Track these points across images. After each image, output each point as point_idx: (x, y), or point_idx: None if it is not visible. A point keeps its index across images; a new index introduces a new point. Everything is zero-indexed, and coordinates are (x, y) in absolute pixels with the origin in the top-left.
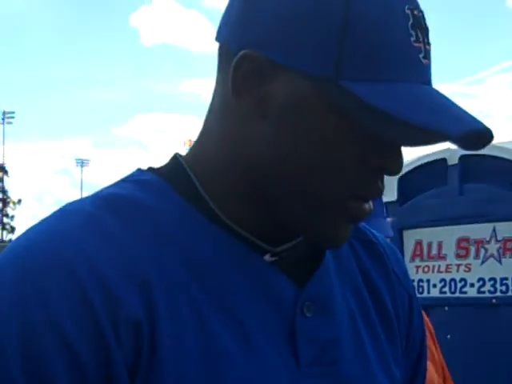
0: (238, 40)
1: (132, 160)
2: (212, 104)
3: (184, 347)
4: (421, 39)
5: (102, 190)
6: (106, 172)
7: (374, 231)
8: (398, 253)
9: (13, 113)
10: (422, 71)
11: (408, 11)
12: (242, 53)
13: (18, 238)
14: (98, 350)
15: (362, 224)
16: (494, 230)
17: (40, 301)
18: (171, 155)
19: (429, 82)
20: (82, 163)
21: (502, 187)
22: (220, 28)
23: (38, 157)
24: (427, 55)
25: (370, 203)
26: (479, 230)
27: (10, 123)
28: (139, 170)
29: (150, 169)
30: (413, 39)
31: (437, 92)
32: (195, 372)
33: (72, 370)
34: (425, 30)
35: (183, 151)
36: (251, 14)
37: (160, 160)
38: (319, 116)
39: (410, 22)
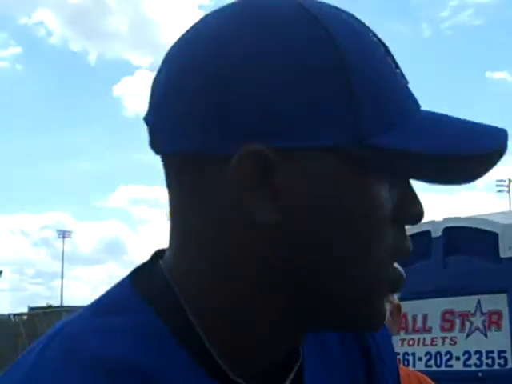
0: (220, 138)
1: (114, 231)
2: (184, 206)
3: None
4: (396, 64)
5: (81, 346)
6: (88, 243)
7: None
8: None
9: None
10: (413, 96)
11: (374, 38)
12: (242, 150)
13: None
14: None
15: None
16: (479, 302)
17: None
18: (150, 259)
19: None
20: (63, 234)
21: (486, 260)
22: (175, 132)
23: (17, 228)
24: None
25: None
26: (464, 303)
27: None
28: (121, 290)
29: (135, 285)
30: (394, 66)
31: (440, 113)
32: None
33: None
34: (391, 54)
35: (165, 223)
36: (227, 104)
37: (141, 232)
38: (356, 189)
39: (382, 50)
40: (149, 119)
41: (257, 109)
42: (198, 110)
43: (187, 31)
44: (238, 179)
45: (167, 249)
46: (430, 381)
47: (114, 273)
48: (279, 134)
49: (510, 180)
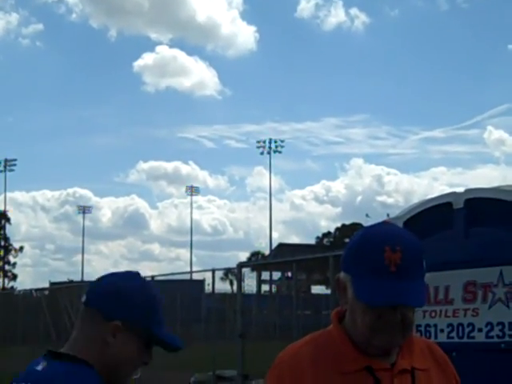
0: None
1: (133, 206)
2: None
3: None
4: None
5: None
6: (108, 218)
7: None
8: None
9: (15, 160)
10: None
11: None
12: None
13: None
14: None
15: None
16: (501, 273)
17: None
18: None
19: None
20: (83, 210)
21: (508, 230)
22: None
23: (39, 204)
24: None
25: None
26: (486, 274)
27: (12, 170)
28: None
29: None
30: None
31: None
32: None
33: None
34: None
35: (184, 198)
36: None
37: (160, 207)
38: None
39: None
40: None
41: None
42: None
43: None
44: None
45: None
46: (441, 351)
47: (134, 247)
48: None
49: None
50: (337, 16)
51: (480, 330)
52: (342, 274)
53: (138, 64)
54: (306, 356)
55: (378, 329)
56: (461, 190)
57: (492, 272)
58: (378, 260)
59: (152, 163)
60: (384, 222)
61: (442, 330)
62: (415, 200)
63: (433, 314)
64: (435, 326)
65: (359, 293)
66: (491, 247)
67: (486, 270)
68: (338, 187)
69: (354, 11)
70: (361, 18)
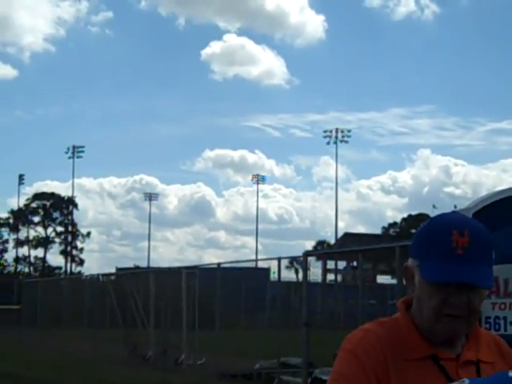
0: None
1: (199, 194)
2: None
3: None
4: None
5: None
6: (175, 206)
7: None
8: None
9: (82, 147)
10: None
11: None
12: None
13: None
14: None
15: None
16: None
17: None
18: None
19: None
20: (150, 197)
21: None
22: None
23: (106, 190)
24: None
25: None
26: None
27: (80, 157)
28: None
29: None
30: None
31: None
32: None
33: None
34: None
35: (250, 187)
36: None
37: (226, 195)
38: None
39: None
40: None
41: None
42: None
43: None
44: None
45: None
46: (507, 346)
47: (200, 234)
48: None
49: None
50: (407, 5)
51: None
52: (409, 261)
53: (206, 52)
54: (377, 337)
55: (443, 313)
56: None
57: None
58: (445, 243)
59: (218, 151)
60: (453, 212)
61: (511, 323)
62: (483, 192)
63: (502, 307)
64: (505, 318)
65: (426, 274)
66: None
67: None
68: (405, 178)
69: (424, 1)
70: (431, 8)
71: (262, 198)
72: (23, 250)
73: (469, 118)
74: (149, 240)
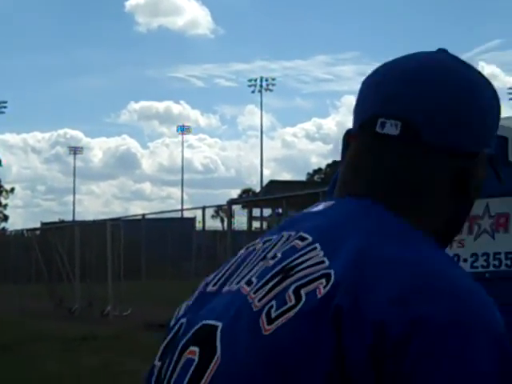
0: (474, 143)
1: (125, 146)
2: None
3: None
4: None
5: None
6: (100, 159)
7: None
8: None
9: (5, 102)
10: None
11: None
12: (484, 152)
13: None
14: None
15: None
16: (487, 205)
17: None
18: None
19: None
20: (74, 151)
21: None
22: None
23: (30, 146)
24: None
25: None
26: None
27: (3, 113)
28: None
29: None
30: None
31: None
32: None
33: None
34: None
35: (176, 138)
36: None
37: (152, 147)
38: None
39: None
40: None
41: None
42: (465, 119)
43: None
44: (479, 168)
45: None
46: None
47: (125, 187)
48: (488, 145)
49: None
50: None
51: (465, 261)
52: None
53: (130, 3)
54: None
55: None
56: None
57: (478, 204)
58: None
59: (143, 103)
60: None
61: None
62: None
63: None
64: None
65: None
66: None
67: None
68: (330, 124)
69: None
70: None
71: (188, 149)
72: None
73: None
74: (74, 194)
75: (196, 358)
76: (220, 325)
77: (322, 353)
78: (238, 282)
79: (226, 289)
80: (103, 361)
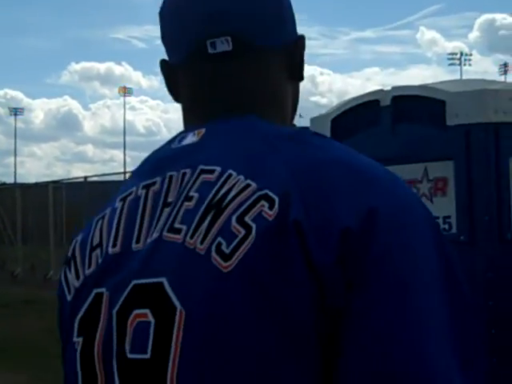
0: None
1: (66, 108)
2: None
3: None
4: None
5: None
6: (41, 120)
7: None
8: None
9: None
10: None
11: None
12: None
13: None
14: None
15: None
16: (426, 169)
17: None
18: None
19: None
20: (15, 112)
21: (433, 127)
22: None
23: None
24: None
25: None
26: (411, 170)
27: None
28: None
29: None
30: None
31: None
32: None
33: None
34: None
35: (117, 99)
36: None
37: (93, 108)
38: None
39: None
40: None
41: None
42: (286, 16)
43: None
44: (303, 50)
45: None
46: None
47: (67, 149)
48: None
49: (461, 53)
50: None
51: None
52: None
53: None
54: None
55: None
56: (388, 88)
57: (417, 168)
58: None
59: (84, 64)
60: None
61: None
62: (343, 98)
63: None
64: None
65: None
66: (417, 144)
67: (411, 166)
68: None
69: None
70: None
71: (130, 111)
72: None
73: (333, 28)
74: (15, 156)
75: (152, 320)
76: (164, 280)
77: (295, 266)
78: (152, 234)
79: (136, 246)
80: (47, 325)
